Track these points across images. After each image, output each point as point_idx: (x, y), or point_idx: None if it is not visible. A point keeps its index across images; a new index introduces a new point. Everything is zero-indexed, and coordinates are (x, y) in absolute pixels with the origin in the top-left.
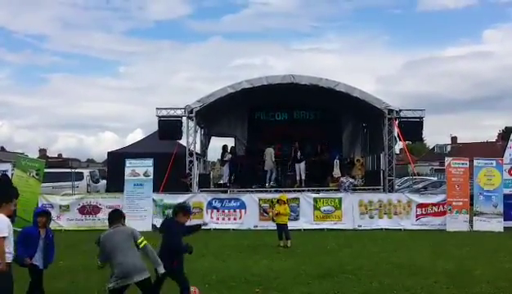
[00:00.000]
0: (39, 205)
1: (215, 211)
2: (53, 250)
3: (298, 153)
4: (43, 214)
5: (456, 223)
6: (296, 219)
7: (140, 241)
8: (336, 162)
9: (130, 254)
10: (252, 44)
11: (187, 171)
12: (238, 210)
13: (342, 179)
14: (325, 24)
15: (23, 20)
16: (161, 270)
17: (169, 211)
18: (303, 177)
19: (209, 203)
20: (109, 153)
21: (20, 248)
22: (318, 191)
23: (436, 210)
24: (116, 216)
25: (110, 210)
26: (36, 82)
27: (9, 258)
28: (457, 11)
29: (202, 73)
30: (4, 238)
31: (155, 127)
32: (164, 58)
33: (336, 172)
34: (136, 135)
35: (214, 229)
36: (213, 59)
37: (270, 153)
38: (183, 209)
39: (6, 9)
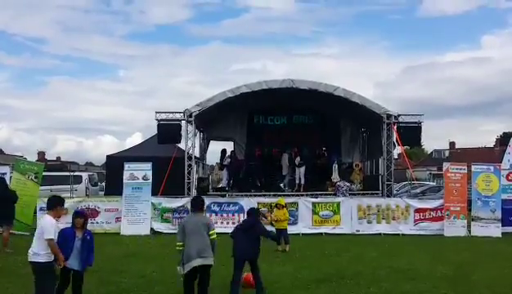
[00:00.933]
0: (37, 208)
1: (214, 215)
2: (91, 252)
3: (298, 159)
4: (81, 215)
5: (454, 228)
6: (295, 223)
7: (211, 233)
8: (335, 166)
9: (199, 240)
10: (252, 48)
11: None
12: (236, 214)
13: (339, 183)
14: (324, 29)
15: (23, 23)
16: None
17: (168, 215)
18: (303, 182)
19: (208, 207)
20: (108, 156)
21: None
22: (316, 196)
23: (434, 215)
24: (198, 203)
25: (194, 196)
26: (35, 85)
27: (50, 257)
28: (456, 16)
29: (201, 77)
30: (52, 239)
31: (154, 131)
32: (164, 62)
33: (335, 177)
34: (136, 139)
35: None
36: (213, 63)
37: (286, 158)
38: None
39: (7, 12)
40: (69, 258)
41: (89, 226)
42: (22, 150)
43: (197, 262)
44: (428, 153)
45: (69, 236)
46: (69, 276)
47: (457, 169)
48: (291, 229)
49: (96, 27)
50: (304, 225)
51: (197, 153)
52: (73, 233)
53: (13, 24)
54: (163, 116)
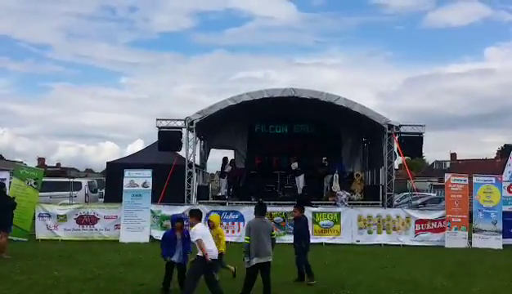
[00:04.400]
0: (36, 214)
1: None
2: (189, 243)
3: (295, 164)
4: (180, 220)
5: (455, 239)
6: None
7: (273, 233)
8: (335, 176)
9: (265, 242)
10: (254, 57)
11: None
12: (236, 222)
13: (339, 192)
14: (328, 38)
15: (27, 29)
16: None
17: (167, 222)
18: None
19: (208, 216)
20: (108, 163)
21: (164, 248)
22: (317, 205)
23: (435, 226)
24: (263, 209)
25: (258, 202)
26: (38, 90)
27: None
28: (460, 28)
29: (204, 85)
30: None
31: (156, 138)
32: (167, 70)
33: (335, 187)
34: (137, 146)
35: None
36: (216, 71)
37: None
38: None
39: (11, 18)
40: (175, 255)
41: (88, 233)
42: (23, 156)
43: (263, 260)
44: (430, 164)
45: (171, 238)
46: (173, 270)
47: (459, 180)
48: (291, 239)
49: (100, 34)
50: None
51: (197, 161)
52: (174, 236)
53: (17, 29)
54: (164, 123)
